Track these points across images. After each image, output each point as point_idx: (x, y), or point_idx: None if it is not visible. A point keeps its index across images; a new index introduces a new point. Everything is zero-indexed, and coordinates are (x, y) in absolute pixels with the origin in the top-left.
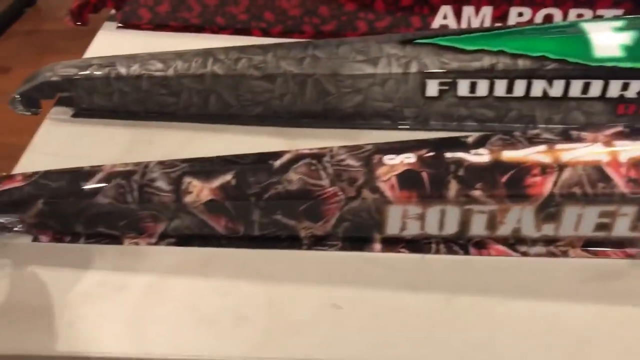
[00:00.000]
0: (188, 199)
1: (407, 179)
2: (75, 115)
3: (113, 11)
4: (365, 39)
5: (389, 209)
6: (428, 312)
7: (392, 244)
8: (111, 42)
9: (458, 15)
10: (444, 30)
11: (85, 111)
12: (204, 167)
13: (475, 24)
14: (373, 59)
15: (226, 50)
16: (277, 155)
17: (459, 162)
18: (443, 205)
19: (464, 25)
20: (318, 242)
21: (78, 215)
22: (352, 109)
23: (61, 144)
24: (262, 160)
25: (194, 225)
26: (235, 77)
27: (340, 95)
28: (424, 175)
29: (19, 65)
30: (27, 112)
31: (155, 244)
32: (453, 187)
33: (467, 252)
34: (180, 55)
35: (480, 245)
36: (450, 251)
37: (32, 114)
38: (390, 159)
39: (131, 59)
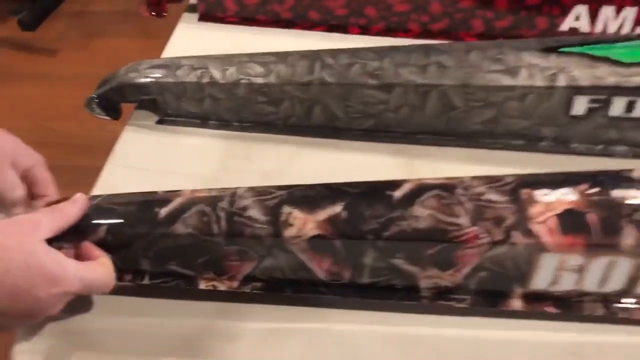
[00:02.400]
0: (289, 232)
1: (571, 222)
2: (160, 122)
3: (193, 0)
4: (498, 45)
5: (543, 257)
6: None
7: (536, 300)
8: (192, 36)
9: (593, 16)
10: (590, 38)
11: (171, 117)
12: (306, 196)
13: (613, 27)
14: (511, 69)
15: (334, 53)
16: (394, 184)
17: (635, 204)
18: (613, 256)
19: (598, 29)
20: (442, 295)
21: (147, 247)
22: (481, 126)
23: (145, 155)
24: (377, 190)
25: (289, 266)
26: (346, 85)
27: (468, 109)
28: (591, 217)
29: (67, 47)
30: (106, 116)
31: (237, 288)
32: (630, 234)
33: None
34: (282, 58)
35: None
36: (610, 312)
37: (112, 119)
38: (544, 195)
39: (226, 60)
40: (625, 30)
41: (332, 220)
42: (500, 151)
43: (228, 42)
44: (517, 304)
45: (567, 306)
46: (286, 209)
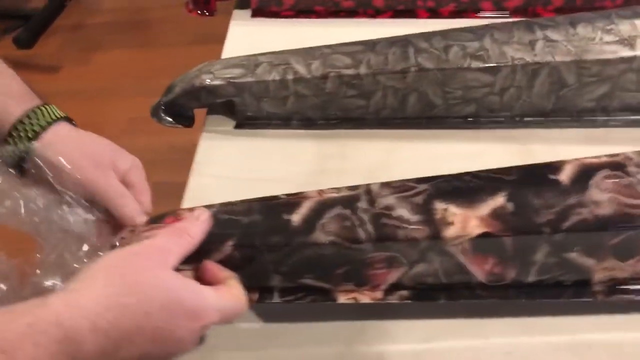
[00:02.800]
0: (449, 232)
1: None
2: (238, 126)
3: None
4: (605, 15)
5: None
6: None
7: None
8: (248, 34)
9: None
10: None
11: (250, 120)
12: (457, 188)
13: None
14: (628, 39)
15: (427, 36)
16: (553, 167)
17: None
18: None
19: None
20: (617, 288)
21: (280, 261)
22: (593, 103)
23: (230, 162)
24: (538, 174)
25: (443, 270)
26: (447, 70)
27: (581, 86)
28: None
29: (68, 63)
30: (177, 124)
31: (382, 299)
32: None
33: None
34: (369, 46)
35: None
36: None
37: (184, 127)
38: None
39: (308, 54)
40: None
41: (498, 215)
42: (614, 129)
43: (288, 37)
44: None
45: None
46: (439, 204)
